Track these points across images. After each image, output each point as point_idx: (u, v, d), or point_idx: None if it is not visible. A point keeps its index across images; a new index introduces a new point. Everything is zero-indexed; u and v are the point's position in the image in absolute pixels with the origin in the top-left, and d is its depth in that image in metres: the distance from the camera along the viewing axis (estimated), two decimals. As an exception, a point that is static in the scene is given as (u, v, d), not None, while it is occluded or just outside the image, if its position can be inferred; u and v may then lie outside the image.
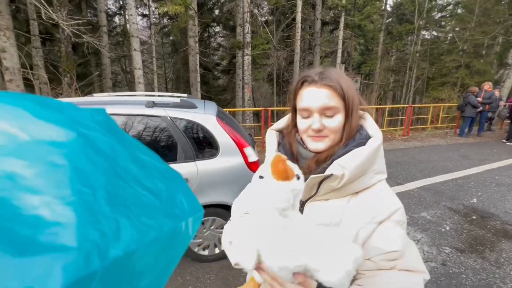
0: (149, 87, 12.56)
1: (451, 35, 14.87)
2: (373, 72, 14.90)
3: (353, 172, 0.61)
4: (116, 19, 13.58)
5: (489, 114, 8.33)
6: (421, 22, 13.95)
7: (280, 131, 0.81)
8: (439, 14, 15.91)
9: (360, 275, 0.63)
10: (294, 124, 0.75)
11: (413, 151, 6.38)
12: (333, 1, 10.92)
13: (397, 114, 13.46)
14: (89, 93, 6.96)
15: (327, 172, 0.62)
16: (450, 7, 15.53)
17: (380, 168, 0.68)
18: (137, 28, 7.06)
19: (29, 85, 6.69)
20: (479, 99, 7.46)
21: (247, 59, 9.13)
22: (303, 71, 0.73)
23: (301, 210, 0.69)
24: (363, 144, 0.65)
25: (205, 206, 2.19)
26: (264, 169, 0.53)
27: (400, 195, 3.78)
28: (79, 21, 5.85)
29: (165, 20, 13.02)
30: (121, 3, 12.54)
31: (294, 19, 10.74)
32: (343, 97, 0.64)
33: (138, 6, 11.55)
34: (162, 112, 2.13)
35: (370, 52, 16.05)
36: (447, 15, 15.70)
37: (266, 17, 12.49)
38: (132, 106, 2.16)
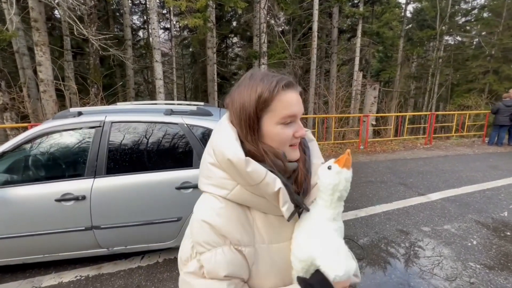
0: (169, 96, 13.06)
1: (477, 39, 14.23)
2: (393, 79, 14.52)
3: None
4: (140, 33, 14.40)
5: (522, 122, 7.79)
6: (443, 28, 13.51)
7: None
8: (463, 19, 15.34)
9: None
10: (258, 137, 0.61)
11: (436, 160, 6.08)
12: (350, 9, 10.91)
13: (419, 122, 12.93)
14: (114, 102, 7.36)
15: (322, 170, 0.63)
16: (475, 11, 14.92)
17: None
18: (159, 41, 7.43)
19: (60, 96, 7.21)
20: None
21: (264, 68, 9.27)
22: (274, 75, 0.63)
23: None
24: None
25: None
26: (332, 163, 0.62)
27: (422, 206, 3.60)
28: (107, 36, 6.27)
29: (185, 33, 13.60)
30: (145, 18, 13.29)
31: (310, 28, 10.82)
32: None
33: (161, 20, 12.18)
34: (179, 119, 2.23)
35: (389, 59, 15.71)
36: (472, 20, 15.08)
37: (283, 27, 12.67)
38: (151, 114, 2.27)
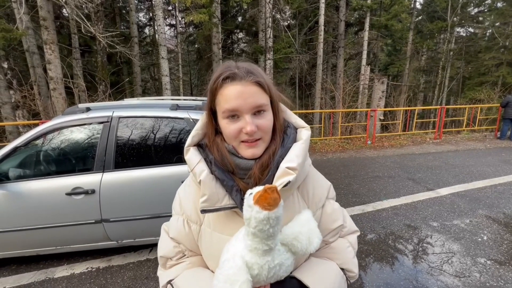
0: (175, 92, 13.15)
1: (490, 31, 13.77)
2: (402, 73, 14.23)
3: (300, 171, 0.60)
4: (146, 30, 14.48)
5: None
6: (455, 19, 13.11)
7: (198, 145, 0.66)
8: (476, 9, 14.84)
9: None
10: (215, 130, 0.64)
11: (446, 155, 5.96)
12: (357, 2, 10.68)
13: (429, 117, 12.67)
14: (121, 99, 7.47)
15: (281, 181, 0.57)
16: (489, 1, 14.41)
17: (308, 154, 0.67)
18: (165, 37, 7.46)
19: (69, 93, 7.34)
20: None
21: (269, 63, 9.21)
22: (219, 67, 0.62)
23: None
24: (295, 137, 0.65)
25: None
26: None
27: (430, 202, 3.55)
28: (113, 33, 6.33)
29: (190, 29, 13.61)
30: (151, 15, 13.34)
31: (317, 22, 10.66)
32: (269, 93, 0.60)
33: (166, 17, 12.20)
34: (185, 114, 2.24)
35: (398, 52, 15.37)
36: (485, 10, 14.57)
37: (288, 22, 12.54)
38: (158, 109, 2.29)
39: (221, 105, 0.59)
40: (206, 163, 0.62)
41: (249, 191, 0.52)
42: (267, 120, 0.59)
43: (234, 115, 0.58)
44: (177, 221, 0.70)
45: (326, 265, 0.69)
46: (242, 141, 0.59)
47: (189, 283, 0.66)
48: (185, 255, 0.72)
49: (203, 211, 0.61)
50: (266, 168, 0.60)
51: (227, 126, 0.59)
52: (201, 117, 0.68)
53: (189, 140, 0.65)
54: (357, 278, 0.74)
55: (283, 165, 0.58)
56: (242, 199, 0.56)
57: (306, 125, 0.68)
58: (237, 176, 0.62)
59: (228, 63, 0.61)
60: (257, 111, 0.58)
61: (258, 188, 0.49)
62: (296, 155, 0.60)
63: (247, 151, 0.60)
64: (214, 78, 0.59)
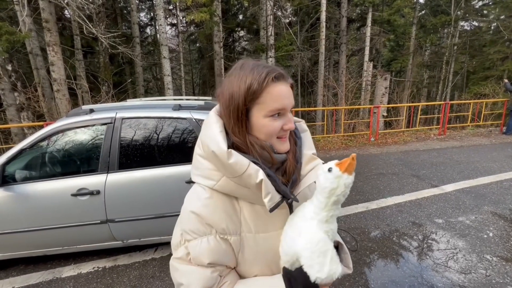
0: (177, 92, 13.19)
1: (494, 24, 13.56)
2: (405, 69, 14.08)
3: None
4: (148, 29, 14.50)
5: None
6: (459, 13, 12.92)
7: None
8: (480, 2, 14.59)
9: None
10: (245, 129, 0.61)
11: (450, 151, 5.90)
12: (359, -3, 10.56)
13: (433, 113, 12.55)
14: (124, 99, 7.50)
15: (314, 163, 0.67)
16: (493, -7, 14.16)
17: None
18: (166, 37, 7.46)
19: (73, 94, 7.39)
20: None
21: (271, 61, 9.18)
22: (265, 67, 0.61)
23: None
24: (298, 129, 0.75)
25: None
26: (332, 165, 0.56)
27: (435, 198, 3.52)
28: (115, 34, 6.35)
29: (192, 28, 13.59)
30: (152, 14, 13.34)
31: (318, 19, 10.59)
32: None
33: (167, 16, 12.20)
34: (187, 114, 2.25)
35: (401, 48, 15.17)
36: (490, 3, 14.32)
37: (290, 19, 12.47)
38: (160, 110, 2.30)
39: (267, 103, 0.58)
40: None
41: (326, 166, 0.56)
42: (293, 117, 0.67)
43: (279, 113, 0.60)
44: (208, 243, 0.60)
45: None
46: (278, 137, 0.63)
47: None
48: (221, 276, 0.63)
49: (272, 210, 0.58)
50: (295, 155, 0.67)
51: (270, 124, 0.60)
52: (214, 118, 0.63)
53: (224, 143, 0.58)
54: None
55: (307, 152, 0.69)
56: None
57: (300, 119, 0.77)
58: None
59: (260, 62, 0.62)
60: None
61: (334, 162, 0.56)
62: (310, 143, 0.72)
63: (283, 146, 0.64)
64: (263, 76, 0.58)
